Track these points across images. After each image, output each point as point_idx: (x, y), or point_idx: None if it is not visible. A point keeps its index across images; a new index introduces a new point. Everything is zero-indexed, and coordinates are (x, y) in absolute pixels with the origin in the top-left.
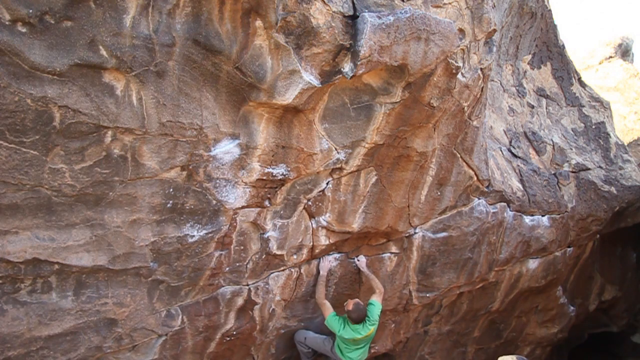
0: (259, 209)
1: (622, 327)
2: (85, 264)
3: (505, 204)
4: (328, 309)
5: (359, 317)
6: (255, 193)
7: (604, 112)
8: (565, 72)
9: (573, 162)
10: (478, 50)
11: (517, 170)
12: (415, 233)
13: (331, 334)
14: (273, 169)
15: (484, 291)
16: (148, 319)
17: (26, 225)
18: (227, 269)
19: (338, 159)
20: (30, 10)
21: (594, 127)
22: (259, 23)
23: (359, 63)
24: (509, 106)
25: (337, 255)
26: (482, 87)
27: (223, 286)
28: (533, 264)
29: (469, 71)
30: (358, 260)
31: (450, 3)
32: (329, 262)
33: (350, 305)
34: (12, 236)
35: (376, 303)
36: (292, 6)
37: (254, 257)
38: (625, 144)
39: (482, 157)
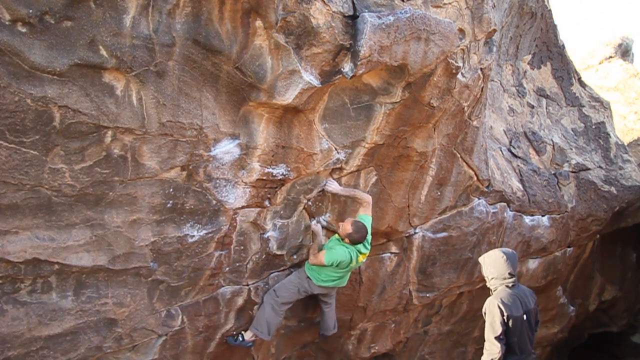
0: (259, 209)
1: (622, 327)
2: (85, 264)
3: (505, 204)
4: (321, 254)
5: (362, 237)
6: (255, 193)
7: (604, 112)
8: (565, 72)
9: (573, 162)
10: (478, 50)
11: (517, 170)
12: (415, 233)
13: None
14: (273, 169)
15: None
16: (148, 319)
17: (26, 225)
18: (227, 269)
19: (338, 159)
20: (30, 10)
21: (594, 127)
22: (259, 23)
23: (359, 63)
24: (509, 106)
25: None
26: (482, 87)
27: (223, 286)
28: (533, 264)
29: (469, 71)
30: (327, 186)
31: (450, 3)
32: (318, 226)
33: (348, 226)
34: (12, 236)
35: (367, 217)
36: (292, 6)
37: (254, 257)
38: (625, 144)
39: (482, 157)
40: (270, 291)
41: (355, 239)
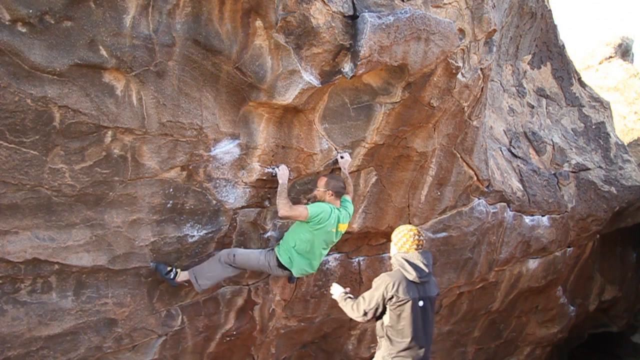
0: (259, 209)
1: (622, 327)
2: (85, 264)
3: (505, 204)
4: (302, 206)
5: (340, 185)
6: (255, 193)
7: (604, 112)
8: (565, 72)
9: (573, 162)
10: (478, 50)
11: (517, 170)
12: None
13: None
14: (273, 169)
15: (484, 291)
16: (148, 319)
17: (26, 225)
18: None
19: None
20: (30, 10)
21: (594, 127)
22: (259, 23)
23: (359, 63)
24: (509, 106)
25: (337, 255)
26: (482, 87)
27: (223, 286)
28: (533, 264)
29: (469, 71)
30: (342, 158)
31: (450, 3)
32: (287, 171)
33: (324, 180)
34: (12, 236)
35: (349, 200)
36: (292, 6)
37: None
38: (625, 144)
39: (482, 157)
40: (229, 252)
41: (335, 185)
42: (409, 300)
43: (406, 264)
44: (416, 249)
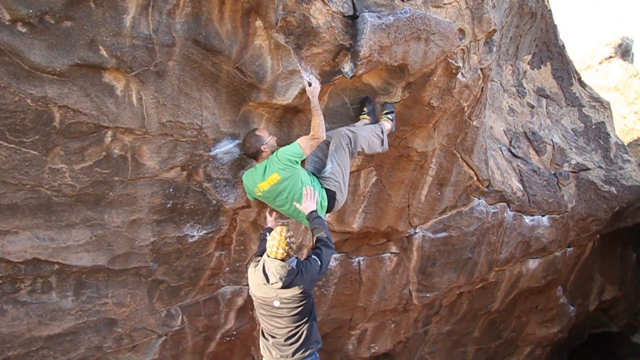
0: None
1: (622, 327)
2: (85, 264)
3: (505, 204)
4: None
5: (249, 147)
6: None
7: (604, 112)
8: (565, 72)
9: (573, 162)
10: (478, 50)
11: (517, 170)
12: (415, 233)
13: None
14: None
15: (484, 291)
16: (148, 319)
17: (26, 225)
18: (227, 269)
19: None
20: (30, 10)
21: (594, 127)
22: (259, 23)
23: (359, 63)
24: (509, 106)
25: (337, 255)
26: (482, 87)
27: (223, 286)
28: (533, 264)
29: (469, 71)
30: (309, 85)
31: (450, 3)
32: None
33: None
34: (12, 236)
35: (294, 145)
36: (292, 6)
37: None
38: (625, 144)
39: (482, 157)
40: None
41: (243, 147)
42: (259, 299)
43: (260, 268)
44: (275, 257)
